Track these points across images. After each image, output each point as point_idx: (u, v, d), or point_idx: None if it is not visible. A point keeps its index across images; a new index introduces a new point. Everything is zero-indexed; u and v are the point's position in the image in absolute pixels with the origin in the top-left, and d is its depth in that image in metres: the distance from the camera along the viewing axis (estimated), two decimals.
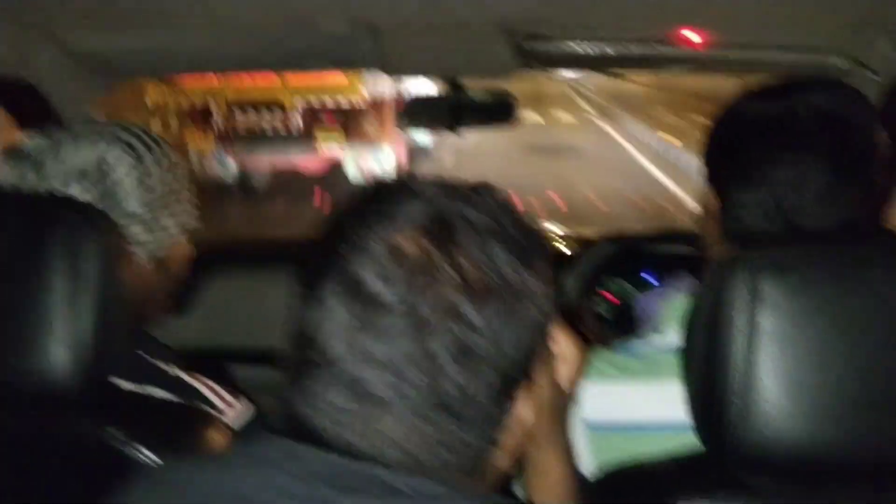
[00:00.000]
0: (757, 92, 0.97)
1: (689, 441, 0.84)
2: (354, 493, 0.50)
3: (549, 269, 0.60)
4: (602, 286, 2.11)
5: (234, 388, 1.06)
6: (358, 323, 0.53)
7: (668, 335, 0.97)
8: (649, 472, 0.81)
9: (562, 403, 0.72)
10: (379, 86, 8.30)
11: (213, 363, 1.39)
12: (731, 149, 0.97)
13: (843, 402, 0.70)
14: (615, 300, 2.15)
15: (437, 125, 1.88)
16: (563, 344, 0.71)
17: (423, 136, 9.76)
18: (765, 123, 0.92)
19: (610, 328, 1.95)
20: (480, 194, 0.59)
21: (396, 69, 1.68)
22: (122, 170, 1.00)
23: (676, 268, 1.94)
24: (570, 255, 2.29)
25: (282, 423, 0.57)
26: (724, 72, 1.80)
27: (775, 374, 0.71)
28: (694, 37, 1.40)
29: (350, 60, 1.62)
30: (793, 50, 1.36)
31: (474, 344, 0.54)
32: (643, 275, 2.14)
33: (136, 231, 1.02)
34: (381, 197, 0.59)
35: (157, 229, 1.04)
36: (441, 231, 0.55)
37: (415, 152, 10.44)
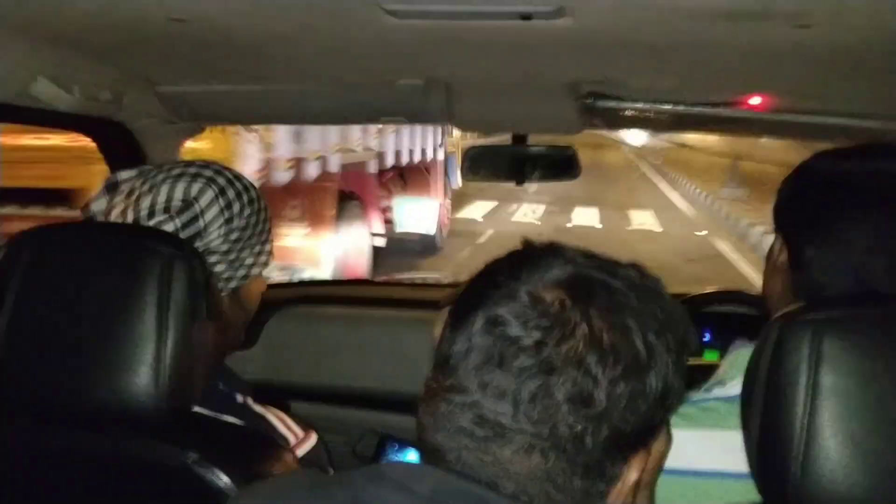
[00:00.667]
0: (832, 153, 0.99)
1: (747, 491, 0.85)
2: None
3: (685, 350, 0.65)
4: None
5: (302, 421, 1.10)
6: (495, 358, 0.58)
7: (731, 387, 0.98)
8: None
9: (655, 476, 0.74)
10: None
11: (279, 397, 1.44)
12: (807, 205, 0.98)
13: None
14: None
15: (500, 176, 1.93)
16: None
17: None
18: (843, 182, 0.94)
19: None
20: (624, 268, 0.65)
21: (466, 124, 1.74)
22: (206, 205, 1.04)
23: (733, 328, 1.93)
24: None
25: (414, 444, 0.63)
26: (785, 136, 1.81)
27: (836, 433, 0.72)
28: (757, 101, 1.43)
29: (423, 114, 1.69)
30: (855, 116, 1.38)
31: (592, 396, 0.57)
32: (703, 334, 2.14)
33: (216, 265, 1.07)
34: (531, 254, 0.65)
35: (236, 264, 1.09)
36: (581, 291, 0.60)
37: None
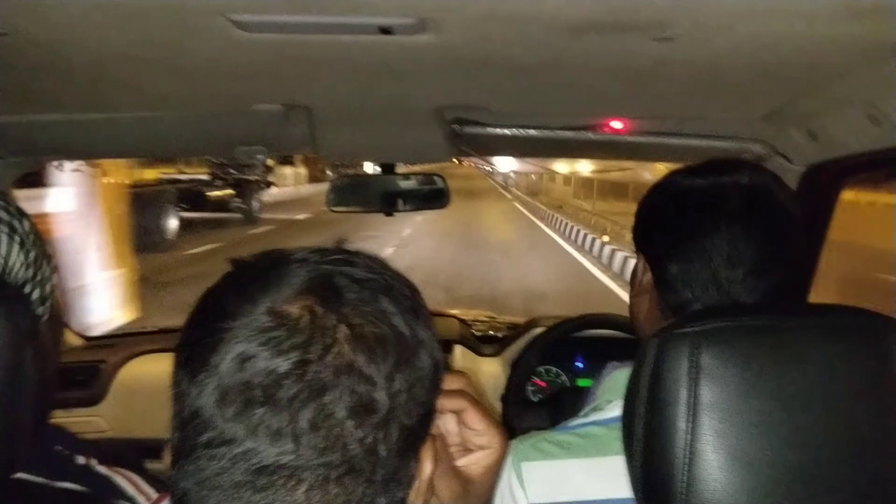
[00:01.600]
0: (685, 170, 1.01)
1: None
2: None
3: (431, 318, 0.60)
4: (533, 373, 2.11)
5: (155, 480, 0.99)
6: (257, 397, 0.51)
7: (608, 410, 0.96)
8: None
9: (471, 495, 0.70)
10: None
11: (135, 456, 1.30)
12: (665, 222, 0.99)
13: (784, 474, 0.70)
14: (543, 384, 2.15)
15: (368, 206, 1.88)
16: (487, 434, 0.69)
17: None
18: (699, 197, 0.96)
19: (539, 415, 1.94)
20: (356, 254, 0.59)
21: (330, 153, 1.68)
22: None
23: (605, 352, 1.96)
24: (501, 338, 2.29)
25: None
26: (646, 158, 1.87)
27: (718, 448, 0.70)
28: (619, 125, 1.46)
29: (284, 143, 1.61)
30: (713, 138, 1.43)
31: (374, 400, 0.52)
32: (574, 360, 2.16)
33: (31, 292, 0.95)
34: (254, 269, 0.57)
35: (44, 282, 0.97)
36: (327, 291, 0.54)
37: None
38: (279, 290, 0.53)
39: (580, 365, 2.15)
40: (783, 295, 0.92)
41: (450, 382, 0.67)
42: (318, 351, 0.51)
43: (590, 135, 1.48)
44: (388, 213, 1.83)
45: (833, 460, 0.70)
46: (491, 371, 2.15)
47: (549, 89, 1.22)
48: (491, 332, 2.31)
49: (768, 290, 0.91)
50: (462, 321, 2.38)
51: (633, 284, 1.07)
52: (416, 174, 1.86)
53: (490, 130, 1.47)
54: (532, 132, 1.48)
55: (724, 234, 0.92)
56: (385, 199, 1.81)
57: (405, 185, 1.82)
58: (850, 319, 0.75)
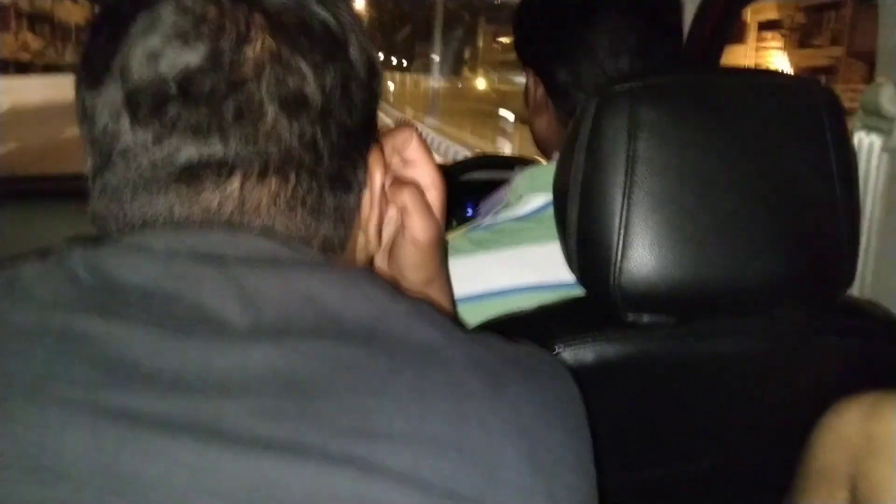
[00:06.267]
0: None
1: (550, 301, 0.82)
2: (222, 262, 0.43)
3: (357, 17, 0.55)
4: None
5: None
6: (172, 93, 0.46)
7: (519, 207, 0.95)
8: (522, 319, 0.78)
9: (441, 235, 0.66)
10: None
11: None
12: (545, 28, 0.97)
13: (722, 219, 0.70)
14: None
15: None
16: (425, 169, 0.65)
17: None
18: None
19: None
20: None
21: None
22: None
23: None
24: None
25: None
26: None
27: (655, 198, 0.70)
28: None
29: None
30: None
31: (304, 93, 0.48)
32: (465, 207, 2.15)
33: None
34: None
35: None
36: None
37: None
38: None
39: (471, 212, 2.14)
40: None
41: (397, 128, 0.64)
42: (231, 41, 0.46)
43: None
44: None
45: (768, 210, 0.71)
46: None
47: None
48: None
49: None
50: None
51: (528, 103, 1.05)
52: None
53: None
54: None
55: (605, 24, 0.91)
56: None
57: None
58: (782, 79, 0.76)
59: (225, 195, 0.47)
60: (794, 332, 0.75)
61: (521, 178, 1.01)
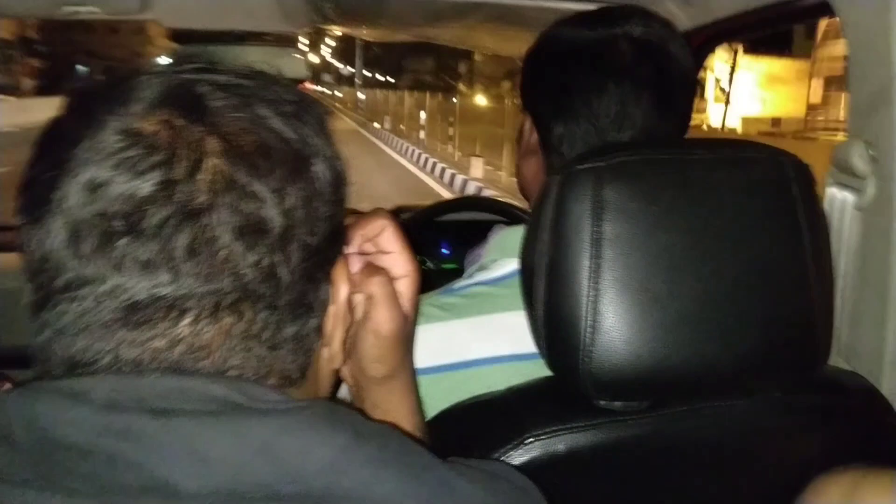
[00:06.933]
0: (573, 19, 0.93)
1: (528, 371, 0.80)
2: (168, 415, 0.40)
3: (326, 124, 0.52)
4: None
5: None
6: (119, 228, 0.43)
7: (495, 269, 0.92)
8: (493, 404, 0.75)
9: (407, 329, 0.63)
10: None
11: None
12: (550, 79, 0.92)
13: (691, 306, 0.68)
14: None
15: None
16: (399, 259, 0.62)
17: None
18: (586, 52, 0.89)
19: None
20: (219, 62, 0.50)
21: (169, 18, 1.49)
22: None
23: (469, 237, 1.95)
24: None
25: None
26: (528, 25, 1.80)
27: (623, 281, 0.67)
28: None
29: (120, 8, 1.41)
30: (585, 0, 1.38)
31: (263, 219, 0.45)
32: (440, 246, 2.13)
33: None
34: (95, 91, 0.48)
35: None
36: (185, 101, 0.45)
37: None
38: (128, 106, 0.45)
39: (446, 251, 2.13)
40: None
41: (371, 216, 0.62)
42: (184, 168, 0.43)
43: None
44: None
45: (739, 291, 0.69)
46: None
47: None
48: None
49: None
50: None
51: (520, 145, 1.00)
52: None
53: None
54: None
55: (612, 93, 0.86)
56: None
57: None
58: (751, 152, 0.74)
59: (175, 336, 0.44)
60: (771, 413, 0.73)
61: (495, 241, 0.99)
